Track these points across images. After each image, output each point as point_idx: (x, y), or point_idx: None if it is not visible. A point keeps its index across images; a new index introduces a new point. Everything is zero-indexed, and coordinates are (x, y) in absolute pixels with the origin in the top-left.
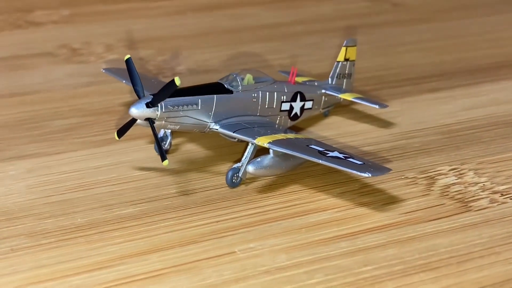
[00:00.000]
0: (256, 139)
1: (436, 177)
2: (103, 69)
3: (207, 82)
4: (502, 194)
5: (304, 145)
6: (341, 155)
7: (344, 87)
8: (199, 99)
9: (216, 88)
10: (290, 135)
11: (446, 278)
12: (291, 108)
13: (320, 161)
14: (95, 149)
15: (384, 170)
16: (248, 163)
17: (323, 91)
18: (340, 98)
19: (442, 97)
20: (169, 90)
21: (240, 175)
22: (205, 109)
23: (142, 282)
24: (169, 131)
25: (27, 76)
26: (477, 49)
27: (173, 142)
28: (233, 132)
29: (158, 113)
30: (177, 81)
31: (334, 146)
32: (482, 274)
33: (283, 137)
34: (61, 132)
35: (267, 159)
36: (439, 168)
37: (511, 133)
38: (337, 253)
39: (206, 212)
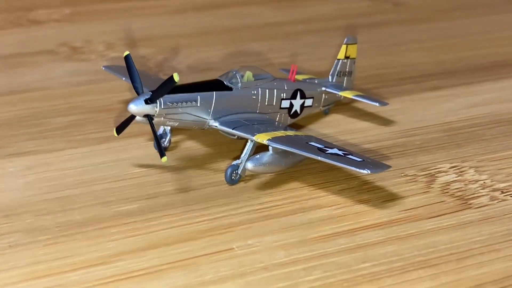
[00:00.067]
0: (255, 136)
1: (436, 175)
2: (103, 66)
3: (207, 79)
4: (502, 191)
5: (304, 142)
6: (340, 152)
7: (344, 85)
8: (198, 95)
9: (216, 85)
10: (290, 132)
11: (445, 275)
12: (291, 105)
13: (319, 157)
14: (94, 146)
15: (383, 167)
16: (247, 160)
17: (323, 88)
18: (341, 96)
19: (444, 95)
20: (168, 87)
21: (239, 172)
22: (204, 106)
23: (139, 278)
24: (169, 128)
25: (28, 74)
26: (479, 48)
27: (173, 139)
28: (233, 129)
29: (157, 109)
30: (176, 77)
31: (334, 143)
32: (481, 271)
33: (282, 134)
34: (60, 130)
35: (266, 156)
36: (439, 166)
37: None
38: (336, 250)
39: (205, 209)
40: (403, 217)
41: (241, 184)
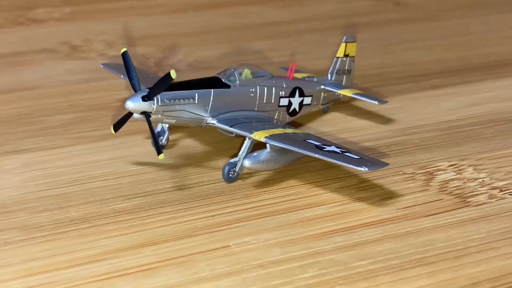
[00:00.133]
0: (253, 134)
1: (434, 173)
2: (101, 64)
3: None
4: (501, 189)
5: (301, 140)
6: (338, 150)
7: (344, 83)
8: (196, 93)
9: (214, 83)
10: (288, 130)
11: (442, 272)
12: (290, 103)
13: (317, 155)
14: (92, 144)
15: (381, 164)
16: (244, 157)
17: (322, 87)
18: (340, 94)
19: (443, 94)
20: (165, 83)
21: (237, 170)
22: (202, 103)
23: (134, 275)
24: (167, 126)
25: (27, 72)
26: (480, 47)
27: (171, 137)
28: (230, 127)
29: (154, 106)
30: (173, 74)
31: (332, 141)
32: (479, 269)
33: (280, 132)
34: (59, 127)
35: (264, 154)
36: (438, 164)
37: (511, 130)
38: (332, 247)
39: (202, 207)
40: (401, 215)
41: (239, 182)
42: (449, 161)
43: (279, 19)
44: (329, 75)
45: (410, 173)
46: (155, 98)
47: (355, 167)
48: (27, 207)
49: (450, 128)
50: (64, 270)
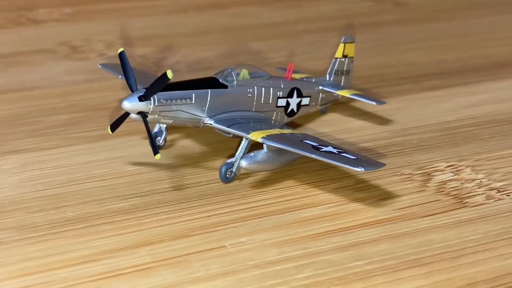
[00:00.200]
0: (250, 134)
1: (432, 174)
2: (100, 64)
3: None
4: (498, 190)
5: (298, 140)
6: (335, 150)
7: (342, 84)
8: (193, 93)
9: (211, 83)
10: (286, 131)
11: (438, 273)
12: (288, 104)
13: (314, 155)
14: (90, 144)
15: (378, 165)
16: (241, 158)
17: (321, 87)
18: (338, 95)
19: (443, 95)
20: (162, 83)
21: (234, 170)
22: (199, 103)
23: (129, 275)
24: (164, 126)
25: (27, 72)
26: (480, 48)
27: (169, 137)
28: (228, 127)
29: (151, 106)
30: (169, 74)
31: (330, 142)
32: (475, 270)
33: (277, 132)
34: (56, 128)
35: (260, 154)
36: (436, 165)
37: (510, 131)
38: (329, 248)
39: (198, 207)
40: (398, 215)
41: (236, 182)
42: (447, 162)
43: (278, 20)
44: (327, 76)
45: (407, 174)
46: (151, 98)
47: (351, 168)
48: (24, 207)
49: (449, 129)
50: (59, 270)
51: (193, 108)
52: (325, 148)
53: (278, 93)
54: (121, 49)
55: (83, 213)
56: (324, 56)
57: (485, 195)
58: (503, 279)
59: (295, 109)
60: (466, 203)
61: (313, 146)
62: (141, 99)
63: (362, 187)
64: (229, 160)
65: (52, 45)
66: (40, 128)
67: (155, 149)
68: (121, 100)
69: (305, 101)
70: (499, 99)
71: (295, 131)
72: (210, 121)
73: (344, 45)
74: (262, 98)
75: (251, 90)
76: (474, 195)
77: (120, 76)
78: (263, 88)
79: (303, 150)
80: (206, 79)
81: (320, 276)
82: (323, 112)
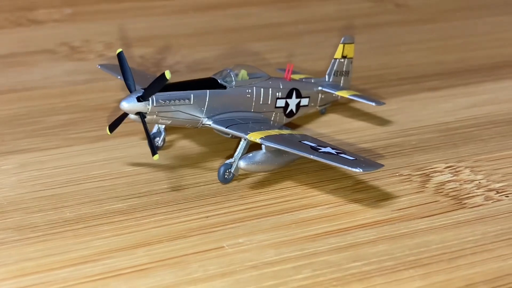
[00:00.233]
0: (249, 135)
1: (431, 175)
2: (99, 65)
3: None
4: (497, 191)
5: (297, 141)
6: (333, 151)
7: (341, 84)
8: (192, 94)
9: (209, 83)
10: (285, 131)
11: (436, 274)
12: (287, 104)
13: (312, 156)
14: (89, 144)
15: (376, 166)
16: (240, 158)
17: (320, 88)
18: (337, 95)
19: (442, 95)
20: (160, 84)
21: (232, 171)
22: (198, 104)
23: (128, 276)
24: (163, 127)
25: (26, 73)
26: (480, 49)
27: (167, 138)
28: (226, 128)
29: (149, 107)
30: (168, 75)
31: (329, 142)
32: (473, 271)
33: (276, 133)
34: (56, 128)
35: (259, 155)
36: (435, 166)
37: (510, 131)
38: (326, 248)
39: (196, 208)
40: (396, 216)
41: (234, 183)
42: (446, 163)
43: (279, 21)
44: (326, 77)
45: (406, 175)
46: (150, 98)
47: (349, 168)
48: (23, 208)
49: (448, 129)
50: (58, 270)
51: (192, 109)
52: (323, 149)
53: (277, 93)
54: (119, 50)
55: (81, 213)
56: (324, 57)
57: (484, 196)
58: (502, 280)
59: (294, 110)
60: (464, 204)
61: (311, 147)
62: (139, 99)
63: (360, 188)
64: (227, 161)
65: (52, 46)
66: (39, 129)
67: (153, 149)
68: (119, 101)
69: (304, 101)
70: (499, 99)
71: (294, 132)
72: (208, 122)
73: (343, 46)
74: (261, 98)
75: (250, 90)
76: (473, 196)
77: (119, 77)
78: (262, 89)
79: (301, 151)
80: (205, 79)
81: (318, 277)
82: (322, 112)
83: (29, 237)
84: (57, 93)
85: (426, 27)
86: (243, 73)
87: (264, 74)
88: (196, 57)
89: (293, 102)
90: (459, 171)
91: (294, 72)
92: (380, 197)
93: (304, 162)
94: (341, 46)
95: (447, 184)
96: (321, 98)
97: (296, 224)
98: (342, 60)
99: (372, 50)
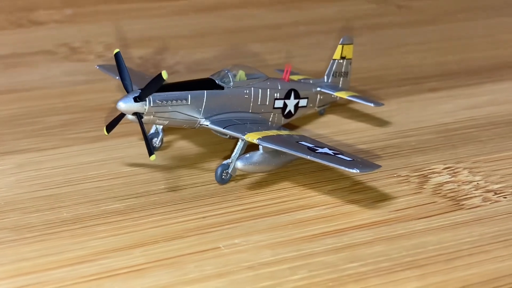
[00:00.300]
0: (246, 135)
1: (429, 176)
2: (97, 65)
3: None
4: (495, 192)
5: (294, 142)
6: (330, 152)
7: (340, 85)
8: (189, 94)
9: (207, 84)
10: (283, 132)
11: (432, 275)
12: (285, 105)
13: (309, 157)
14: (87, 145)
15: (373, 166)
16: (237, 159)
17: (319, 89)
18: (336, 96)
19: (442, 96)
20: (157, 84)
21: (229, 172)
22: (195, 104)
23: (124, 276)
24: (161, 127)
25: (25, 73)
26: (480, 50)
27: (165, 139)
28: (224, 128)
29: (146, 107)
30: (164, 75)
31: (326, 143)
32: (470, 272)
33: (273, 134)
34: (54, 128)
35: (256, 155)
36: (433, 167)
37: (509, 133)
38: (323, 249)
39: (193, 208)
40: (393, 217)
41: (232, 184)
42: (445, 164)
43: (279, 22)
44: (325, 77)
45: (404, 176)
46: (147, 99)
47: (346, 169)
48: (20, 208)
49: (448, 130)
50: (54, 270)
51: (189, 109)
52: (320, 150)
53: (275, 94)
54: (116, 50)
55: (78, 213)
56: (325, 58)
57: (482, 197)
58: (498, 282)
59: (292, 111)
60: (462, 205)
61: (308, 148)
62: (136, 100)
63: (358, 189)
64: (225, 161)
65: (51, 47)
66: (38, 129)
67: (150, 150)
68: (116, 101)
69: (303, 102)
70: (499, 101)
71: (292, 133)
72: (206, 122)
73: (342, 47)
74: (259, 99)
75: (247, 91)
76: (471, 197)
77: (117, 77)
78: (259, 90)
79: (298, 151)
80: (202, 80)
81: (314, 277)
82: (321, 113)
83: (26, 237)
84: (56, 93)
85: (427, 29)
86: (241, 73)
87: (262, 75)
88: (196, 58)
89: (291, 103)
90: (458, 172)
91: (292, 73)
92: (378, 198)
93: (302, 163)
94: (340, 46)
95: (445, 185)
96: (320, 99)
97: (293, 225)
98: (341, 61)
99: (373, 52)
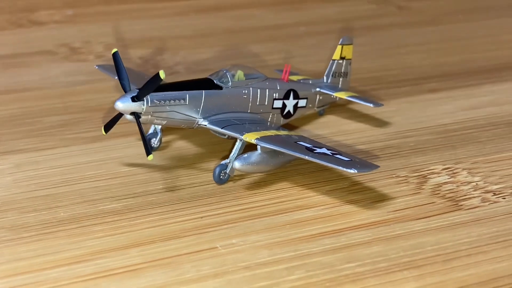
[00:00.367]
0: (244, 135)
1: (428, 176)
2: (96, 65)
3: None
4: (494, 193)
5: (292, 142)
6: (329, 152)
7: (340, 86)
8: (187, 94)
9: (205, 84)
10: (281, 132)
11: (430, 276)
12: (284, 105)
13: (306, 157)
14: (85, 145)
15: (371, 167)
16: (235, 159)
17: (318, 89)
18: (336, 97)
19: (442, 97)
20: (154, 84)
21: (227, 172)
22: (193, 104)
23: (119, 276)
24: (159, 127)
25: (25, 73)
26: (480, 51)
27: (164, 139)
28: (222, 128)
29: (144, 107)
30: (162, 75)
31: (325, 144)
32: (468, 273)
33: (272, 134)
34: (53, 128)
35: (254, 155)
36: (432, 167)
37: (509, 133)
38: (320, 249)
39: (191, 208)
40: (391, 217)
41: (230, 184)
42: (444, 165)
43: (279, 22)
44: (325, 78)
45: (403, 176)
46: (144, 98)
47: (344, 169)
48: (17, 207)
49: (447, 131)
50: (49, 270)
51: (187, 109)
52: (318, 150)
53: (274, 94)
54: (114, 50)
55: (75, 213)
56: (325, 59)
57: (480, 197)
58: (496, 282)
59: (291, 111)
60: (461, 205)
61: (306, 148)
62: (134, 99)
63: (356, 189)
64: (223, 162)
65: (51, 47)
66: (36, 129)
67: (148, 150)
68: (114, 101)
69: (302, 103)
70: (499, 101)
71: (291, 133)
72: (204, 122)
73: (342, 47)
74: (258, 99)
75: (246, 91)
76: (470, 198)
77: (116, 77)
78: (258, 90)
79: (296, 152)
80: (201, 80)
81: (311, 278)
82: (320, 114)
83: (22, 237)
84: (56, 93)
85: (427, 29)
86: (239, 73)
87: (261, 75)
88: (196, 59)
89: (290, 103)
90: (457, 172)
91: (292, 73)
92: (376, 199)
93: (300, 163)
94: (339, 47)
95: (444, 185)
96: (319, 99)
97: (290, 225)
98: (341, 61)
99: (373, 52)
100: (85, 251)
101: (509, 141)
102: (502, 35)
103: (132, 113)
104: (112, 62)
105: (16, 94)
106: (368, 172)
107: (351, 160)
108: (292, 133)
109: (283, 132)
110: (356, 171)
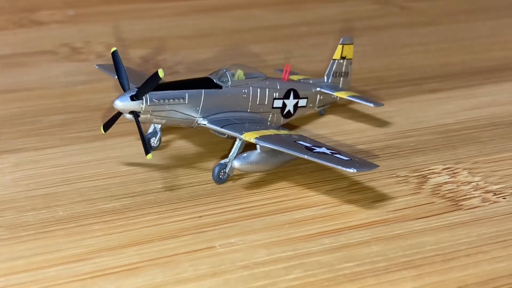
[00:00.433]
0: (243, 134)
1: (428, 176)
2: (96, 65)
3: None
4: (495, 193)
5: (292, 141)
6: (328, 151)
7: (340, 85)
8: (186, 93)
9: (205, 83)
10: (281, 132)
11: (429, 275)
12: (284, 105)
13: (306, 156)
14: (85, 144)
15: (371, 166)
16: (234, 158)
17: (318, 89)
18: (336, 96)
19: (443, 97)
20: (153, 83)
21: (227, 171)
22: (193, 103)
23: (117, 275)
24: (159, 127)
25: (26, 73)
26: (481, 51)
27: (164, 138)
28: (221, 127)
29: (143, 106)
30: (161, 73)
31: (325, 143)
32: (467, 273)
33: (271, 133)
34: (53, 128)
35: (253, 155)
36: (432, 167)
37: (509, 133)
38: (319, 249)
39: (190, 207)
40: (391, 217)
41: (229, 183)
42: (444, 164)
43: (280, 23)
44: (325, 77)
45: (403, 176)
46: (143, 97)
47: (343, 169)
48: (15, 206)
49: (448, 131)
50: (47, 269)
51: (187, 108)
52: (318, 149)
53: (274, 94)
54: (113, 49)
55: (74, 212)
56: (325, 59)
57: (481, 197)
58: (495, 282)
59: (291, 111)
60: (461, 205)
61: (306, 147)
62: (133, 98)
63: (356, 189)
64: (222, 161)
65: (52, 47)
66: (36, 128)
67: (147, 149)
68: (113, 100)
69: (302, 102)
70: (500, 102)
71: (291, 133)
72: (204, 122)
73: (342, 47)
74: (258, 99)
75: (246, 90)
76: (470, 198)
77: (116, 77)
78: (258, 89)
79: (296, 151)
80: (200, 79)
81: (309, 277)
82: (321, 114)
83: (21, 236)
84: (56, 93)
85: (429, 30)
86: (239, 73)
87: (261, 75)
88: (197, 58)
89: (290, 102)
90: (457, 172)
91: (292, 73)
92: (376, 198)
93: (300, 163)
94: (340, 47)
95: (444, 185)
96: (320, 99)
97: (289, 224)
98: (341, 61)
99: (375, 52)
100: (83, 250)
101: (509, 141)
102: (503, 35)
103: (131, 112)
104: (112, 62)
105: (16, 94)
106: (368, 172)
107: (351, 159)
108: (292, 132)
109: (283, 132)
110: (355, 171)
